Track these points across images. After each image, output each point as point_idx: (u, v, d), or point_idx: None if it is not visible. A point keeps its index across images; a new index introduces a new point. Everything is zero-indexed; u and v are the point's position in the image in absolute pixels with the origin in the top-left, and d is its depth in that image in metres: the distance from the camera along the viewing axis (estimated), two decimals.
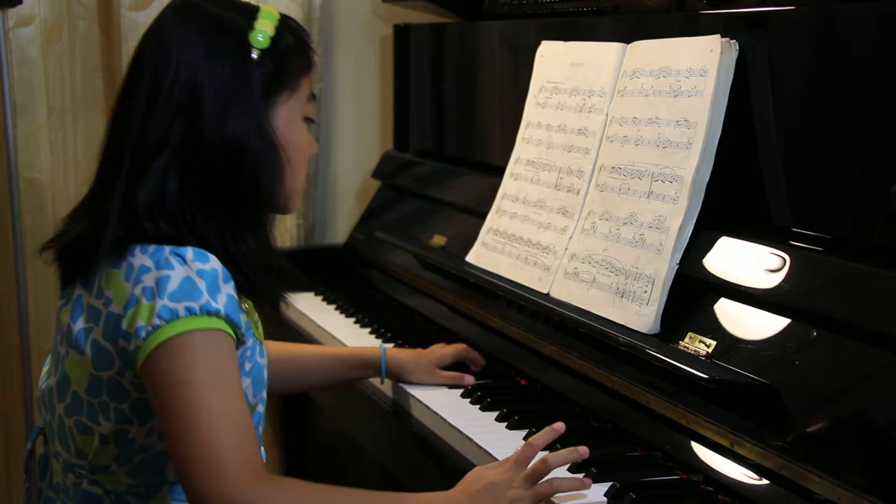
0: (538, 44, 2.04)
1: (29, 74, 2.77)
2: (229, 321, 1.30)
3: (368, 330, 2.16)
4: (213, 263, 1.30)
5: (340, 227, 3.05)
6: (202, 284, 1.28)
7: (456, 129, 2.56)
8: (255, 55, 1.36)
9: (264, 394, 1.46)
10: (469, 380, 1.81)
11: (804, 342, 1.37)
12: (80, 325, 1.35)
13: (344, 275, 2.58)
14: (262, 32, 1.37)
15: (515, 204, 1.98)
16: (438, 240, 2.25)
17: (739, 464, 1.37)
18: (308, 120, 1.45)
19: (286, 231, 2.89)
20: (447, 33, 2.59)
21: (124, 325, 1.29)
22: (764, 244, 1.49)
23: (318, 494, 1.31)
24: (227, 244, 1.34)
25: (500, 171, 2.06)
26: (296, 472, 2.68)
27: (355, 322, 2.22)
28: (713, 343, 1.47)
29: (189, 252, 1.29)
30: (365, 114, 3.05)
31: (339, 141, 3.05)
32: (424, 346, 1.94)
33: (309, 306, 2.35)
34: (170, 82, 1.33)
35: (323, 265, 2.63)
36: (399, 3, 2.86)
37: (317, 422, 2.62)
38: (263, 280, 1.38)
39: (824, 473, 1.24)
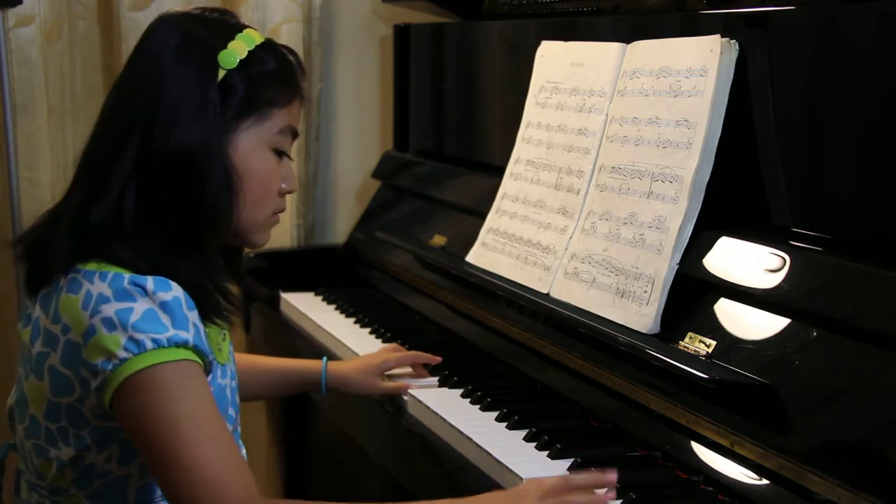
0: (538, 44, 2.04)
1: (29, 74, 2.77)
2: (197, 351, 1.28)
3: (368, 330, 2.16)
4: (175, 291, 1.28)
5: (340, 227, 3.05)
6: (166, 318, 1.26)
7: (456, 129, 2.56)
8: (220, 74, 1.35)
9: (230, 411, 1.44)
10: (410, 387, 1.78)
11: (804, 342, 1.37)
12: (37, 348, 1.33)
13: (344, 275, 2.58)
14: (233, 53, 1.36)
15: (515, 204, 1.98)
16: (438, 240, 2.25)
17: (739, 464, 1.37)
18: (280, 153, 1.42)
19: (286, 231, 2.89)
20: (447, 33, 2.59)
21: (85, 356, 1.27)
22: (764, 244, 1.49)
23: None
24: (173, 262, 1.31)
25: (500, 171, 2.06)
26: (296, 472, 2.68)
27: (355, 322, 2.22)
28: (713, 343, 1.47)
29: (149, 282, 1.27)
30: (365, 114, 3.05)
31: (339, 141, 3.05)
32: (424, 346, 1.94)
33: (309, 306, 2.35)
34: (133, 89, 1.35)
35: (323, 265, 2.63)
36: (399, 3, 2.86)
37: (317, 422, 2.62)
38: (207, 304, 1.35)
39: (824, 473, 1.24)
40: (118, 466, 1.33)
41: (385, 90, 2.95)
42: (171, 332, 1.25)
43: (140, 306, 1.26)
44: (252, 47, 1.38)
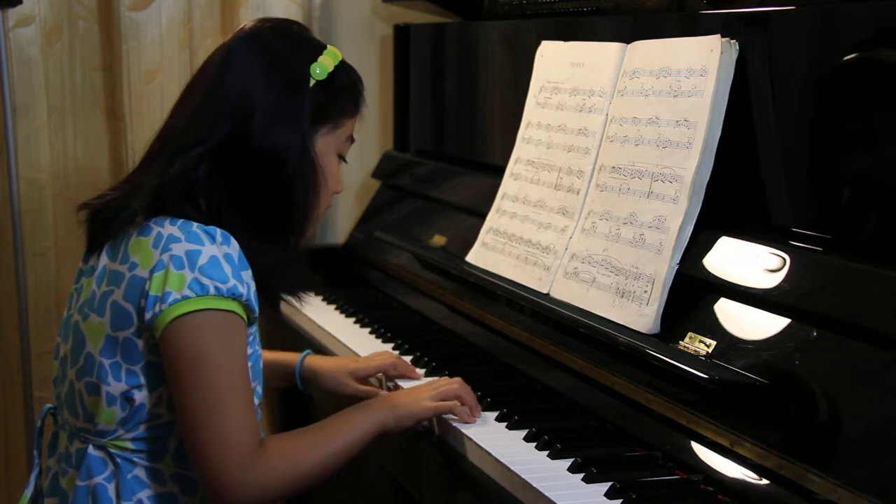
0: (538, 44, 2.04)
1: (29, 74, 2.77)
2: (247, 306, 1.41)
3: (368, 330, 2.16)
4: (234, 248, 1.41)
5: (340, 227, 3.05)
6: (228, 268, 1.38)
7: (456, 129, 2.56)
8: (311, 84, 1.49)
9: (259, 387, 1.50)
10: (381, 393, 1.73)
11: (804, 342, 1.37)
12: (102, 288, 1.44)
13: (344, 275, 2.58)
14: (323, 66, 1.50)
15: (515, 204, 1.98)
16: (438, 240, 2.25)
17: (739, 464, 1.37)
18: (340, 157, 1.58)
19: None
20: (447, 33, 2.59)
21: (148, 287, 1.37)
22: (764, 244, 1.49)
23: (300, 448, 1.45)
24: (243, 240, 1.42)
25: (500, 171, 2.06)
26: None
27: (355, 322, 2.22)
28: (713, 343, 1.47)
29: (218, 233, 1.39)
30: (365, 113, 3.04)
31: None
32: (424, 346, 1.94)
33: (308, 306, 2.34)
34: (227, 88, 1.47)
35: (323, 265, 2.63)
36: (399, 3, 2.86)
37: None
38: (266, 281, 1.47)
39: (824, 473, 1.24)
40: (167, 411, 1.43)
41: (385, 90, 2.95)
42: (231, 283, 1.38)
43: (207, 250, 1.38)
44: (337, 63, 1.53)
